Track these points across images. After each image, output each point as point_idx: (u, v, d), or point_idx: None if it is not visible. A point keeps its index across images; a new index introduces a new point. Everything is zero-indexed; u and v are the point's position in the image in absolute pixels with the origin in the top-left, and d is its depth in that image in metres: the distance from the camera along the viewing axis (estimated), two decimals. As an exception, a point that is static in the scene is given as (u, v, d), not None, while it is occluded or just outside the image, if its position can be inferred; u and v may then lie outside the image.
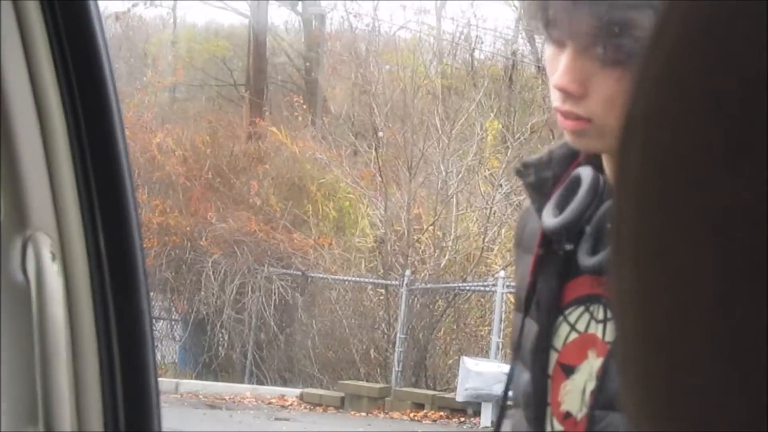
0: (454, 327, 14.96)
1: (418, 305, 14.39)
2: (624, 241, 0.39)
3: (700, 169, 0.36)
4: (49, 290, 1.35)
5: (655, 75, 0.38)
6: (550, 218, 1.64)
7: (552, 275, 1.67)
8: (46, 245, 1.37)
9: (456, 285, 14.49)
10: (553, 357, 1.66)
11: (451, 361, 14.26)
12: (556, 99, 1.54)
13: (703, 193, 0.36)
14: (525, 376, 1.69)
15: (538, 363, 1.67)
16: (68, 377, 1.40)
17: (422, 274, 14.65)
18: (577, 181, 1.64)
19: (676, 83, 0.37)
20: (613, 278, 0.39)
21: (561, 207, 1.64)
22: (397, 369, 13.80)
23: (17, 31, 1.40)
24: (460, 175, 15.34)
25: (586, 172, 1.63)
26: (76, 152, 1.40)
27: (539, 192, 1.70)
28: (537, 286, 1.69)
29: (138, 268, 1.48)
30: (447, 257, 14.93)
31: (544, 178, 1.71)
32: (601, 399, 1.57)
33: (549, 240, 1.67)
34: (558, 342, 1.66)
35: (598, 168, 1.64)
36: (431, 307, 14.50)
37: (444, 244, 15.04)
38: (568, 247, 1.63)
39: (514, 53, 20.11)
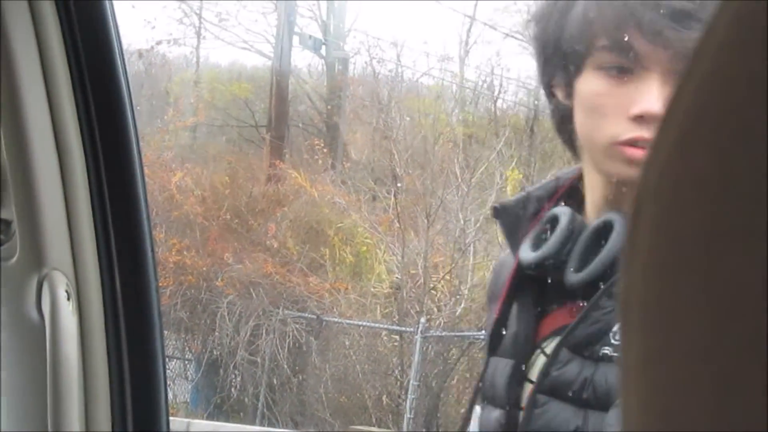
0: (468, 376, 14.89)
1: (432, 353, 14.34)
2: (632, 314, 0.39)
3: (710, 247, 0.36)
4: (64, 328, 1.35)
5: (666, 152, 0.38)
6: (528, 254, 1.64)
7: (527, 310, 1.67)
8: (61, 283, 1.37)
9: (471, 334, 14.43)
10: (528, 389, 1.65)
11: (463, 410, 14.17)
12: (633, 129, 1.51)
13: (712, 271, 0.36)
14: (495, 413, 1.68)
15: (513, 397, 1.66)
16: (80, 416, 1.39)
17: (437, 322, 14.60)
18: (554, 219, 1.64)
19: (687, 160, 0.37)
20: (621, 347, 0.39)
21: (538, 243, 1.64)
22: (409, 416, 13.74)
23: (35, 41, 1.40)
24: (479, 224, 15.30)
25: (562, 211, 1.63)
26: (95, 190, 1.41)
27: (516, 231, 1.71)
28: (508, 323, 1.69)
29: (153, 307, 1.48)
30: (463, 305, 14.88)
31: (520, 218, 1.71)
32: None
33: (524, 277, 1.67)
34: (534, 374, 1.65)
35: (575, 207, 1.65)
36: (445, 355, 14.44)
37: (460, 293, 15.00)
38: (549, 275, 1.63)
39: (536, 104, 20.12)
